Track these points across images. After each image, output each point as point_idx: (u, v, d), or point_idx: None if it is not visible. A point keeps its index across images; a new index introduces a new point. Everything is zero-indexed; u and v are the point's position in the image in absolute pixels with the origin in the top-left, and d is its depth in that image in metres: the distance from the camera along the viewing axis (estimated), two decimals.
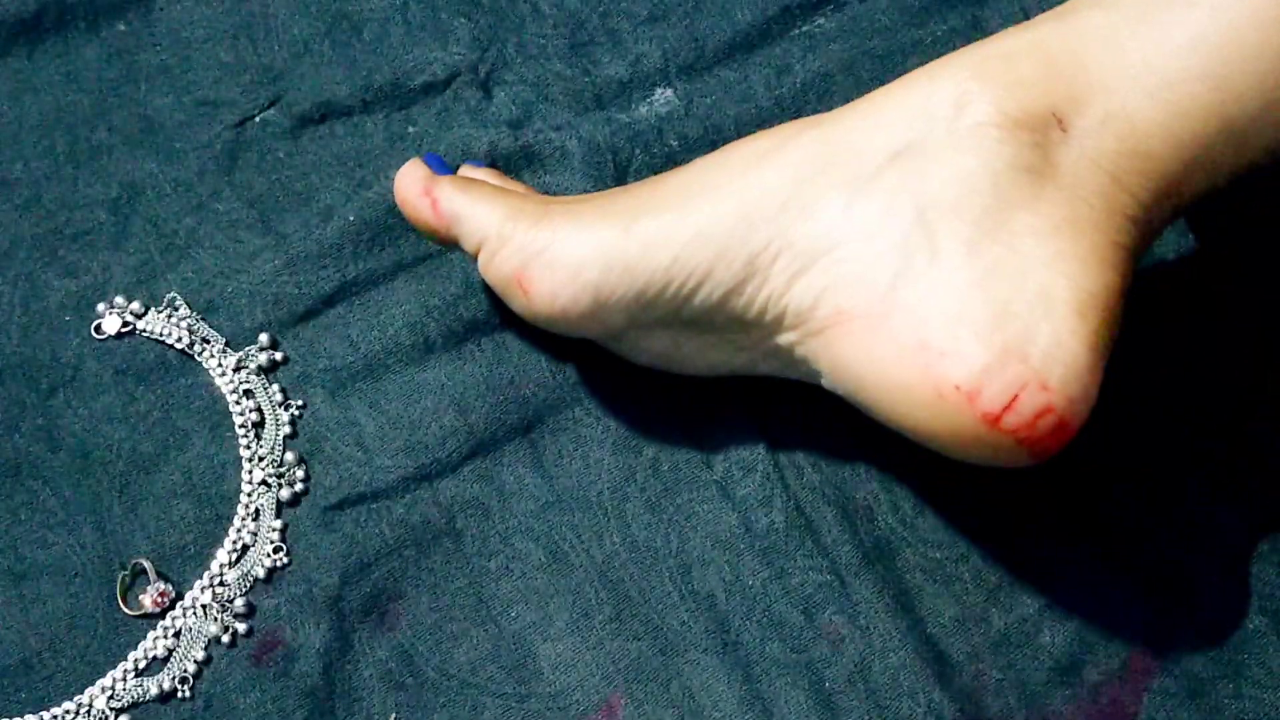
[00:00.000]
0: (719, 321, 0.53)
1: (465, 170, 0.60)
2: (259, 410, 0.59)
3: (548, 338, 0.58)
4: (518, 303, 0.53)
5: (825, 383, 0.53)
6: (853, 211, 0.50)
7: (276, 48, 0.66)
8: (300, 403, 0.59)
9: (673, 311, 0.52)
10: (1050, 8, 0.65)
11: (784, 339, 0.52)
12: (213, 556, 0.57)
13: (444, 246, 0.57)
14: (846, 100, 0.63)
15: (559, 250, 0.52)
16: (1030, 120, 0.49)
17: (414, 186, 0.55)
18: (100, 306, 0.61)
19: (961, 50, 0.52)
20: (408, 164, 0.56)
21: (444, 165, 0.58)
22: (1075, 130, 0.49)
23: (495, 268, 0.53)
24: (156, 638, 0.56)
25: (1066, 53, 0.49)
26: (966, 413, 0.48)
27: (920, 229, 0.49)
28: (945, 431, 0.49)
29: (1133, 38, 0.49)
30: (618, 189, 0.55)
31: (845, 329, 0.50)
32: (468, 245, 0.54)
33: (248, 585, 0.57)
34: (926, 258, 0.49)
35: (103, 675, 0.55)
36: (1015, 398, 0.48)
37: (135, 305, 0.61)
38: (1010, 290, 0.48)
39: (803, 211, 0.51)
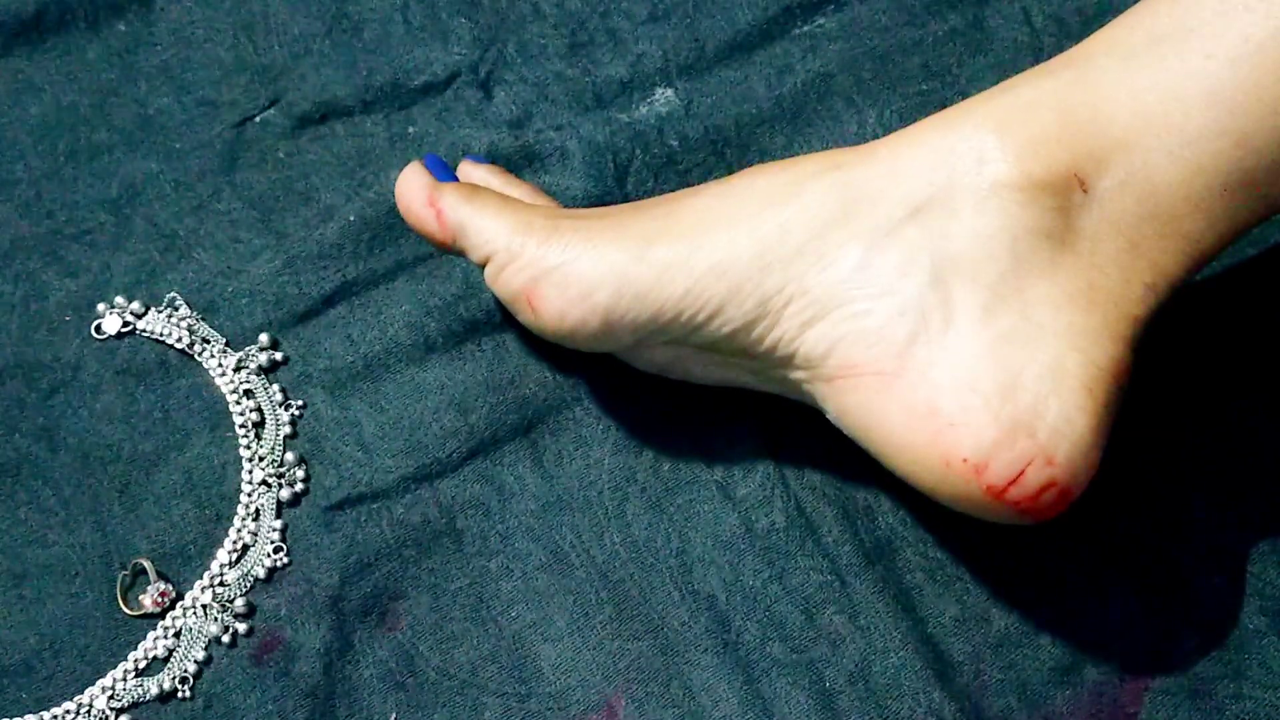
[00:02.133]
0: (728, 349, 0.53)
1: (465, 166, 0.60)
2: (259, 410, 0.59)
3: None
4: (525, 317, 0.53)
5: (831, 418, 0.53)
6: (870, 265, 0.50)
7: (276, 48, 0.66)
8: (300, 403, 0.59)
9: (682, 337, 0.52)
10: (1052, 12, 0.65)
11: (793, 375, 0.52)
12: (213, 556, 0.57)
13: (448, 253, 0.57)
14: (847, 101, 0.64)
15: (570, 270, 0.52)
16: (1053, 182, 0.49)
17: (417, 196, 0.55)
18: (100, 306, 0.61)
19: (980, 98, 0.51)
20: (408, 170, 0.56)
21: (444, 168, 0.57)
22: (1096, 192, 0.49)
23: (503, 282, 0.53)
24: (157, 638, 0.56)
25: (1086, 106, 0.49)
26: (972, 482, 0.49)
27: (936, 290, 0.49)
28: (948, 493, 0.50)
29: (1151, 91, 0.48)
30: (628, 206, 0.55)
31: (855, 383, 0.50)
32: (474, 257, 0.54)
33: (248, 585, 0.57)
34: (941, 321, 0.49)
35: (103, 675, 0.55)
36: (1021, 472, 0.48)
37: (135, 305, 0.61)
38: (1022, 361, 0.49)
39: (820, 259, 0.50)
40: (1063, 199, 0.49)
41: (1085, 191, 0.49)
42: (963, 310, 0.49)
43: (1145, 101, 0.48)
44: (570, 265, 0.52)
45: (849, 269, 0.50)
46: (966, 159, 0.50)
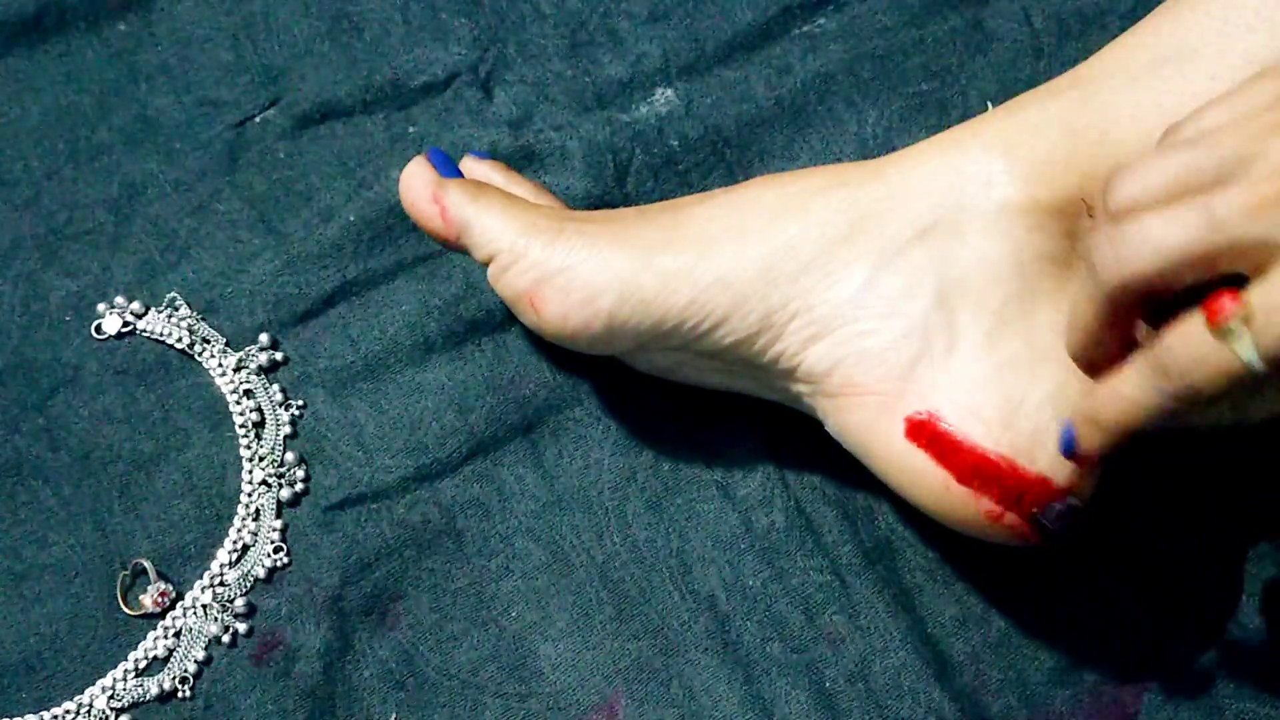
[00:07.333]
0: (730, 358, 0.53)
1: (468, 162, 0.60)
2: (259, 410, 0.59)
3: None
4: (527, 318, 0.53)
5: (831, 432, 0.53)
6: (876, 285, 0.50)
7: (276, 48, 0.66)
8: (300, 403, 0.59)
9: (684, 344, 0.53)
10: (1052, 12, 0.65)
11: (794, 388, 0.53)
12: (213, 556, 0.57)
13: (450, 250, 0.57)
14: (847, 101, 0.64)
15: (574, 275, 0.52)
16: (1060, 206, 0.49)
17: (422, 191, 0.54)
18: (100, 306, 0.61)
19: (987, 117, 0.51)
20: (413, 164, 0.55)
21: (448, 162, 0.57)
22: None
23: (506, 282, 0.53)
24: (157, 638, 0.56)
25: (1093, 129, 0.49)
26: (970, 506, 0.49)
27: (941, 313, 0.50)
28: (946, 515, 0.50)
29: (1155, 112, 0.48)
30: (633, 210, 0.55)
31: (857, 401, 0.51)
32: (478, 255, 0.54)
33: (248, 585, 0.57)
34: (945, 345, 0.50)
35: (103, 675, 0.55)
36: (1020, 498, 0.49)
37: (135, 305, 0.61)
38: (1025, 387, 0.49)
39: (826, 277, 0.50)
40: (1070, 223, 0.49)
41: (1092, 216, 0.49)
42: (967, 335, 0.49)
43: (1150, 124, 0.48)
44: (575, 269, 0.52)
45: (855, 288, 0.50)
46: (974, 181, 0.50)
